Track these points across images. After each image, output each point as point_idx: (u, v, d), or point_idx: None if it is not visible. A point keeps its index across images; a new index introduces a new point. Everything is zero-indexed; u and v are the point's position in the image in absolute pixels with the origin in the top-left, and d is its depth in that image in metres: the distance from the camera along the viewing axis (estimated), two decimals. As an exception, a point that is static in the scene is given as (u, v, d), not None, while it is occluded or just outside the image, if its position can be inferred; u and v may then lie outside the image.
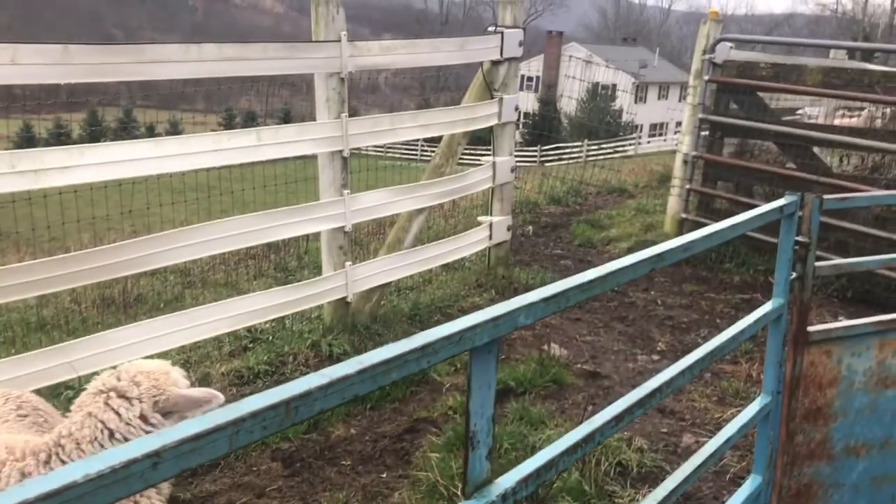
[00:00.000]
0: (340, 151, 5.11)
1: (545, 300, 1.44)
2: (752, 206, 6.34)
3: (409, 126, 5.59)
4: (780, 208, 2.36)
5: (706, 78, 7.92)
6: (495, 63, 6.14)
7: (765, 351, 2.77)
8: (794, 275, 2.53)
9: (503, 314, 1.33)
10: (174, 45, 4.18)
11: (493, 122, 6.25)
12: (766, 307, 2.47)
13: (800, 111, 10.34)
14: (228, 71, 4.53)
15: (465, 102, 6.24)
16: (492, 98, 6.18)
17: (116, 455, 0.80)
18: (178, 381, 2.49)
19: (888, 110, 7.89)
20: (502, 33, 6.03)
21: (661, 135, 47.10)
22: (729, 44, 8.07)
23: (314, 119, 5.15)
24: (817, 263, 2.61)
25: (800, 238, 2.49)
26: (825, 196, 2.51)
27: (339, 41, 4.92)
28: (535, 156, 34.15)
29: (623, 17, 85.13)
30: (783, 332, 2.58)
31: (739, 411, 2.93)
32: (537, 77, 54.23)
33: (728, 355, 5.46)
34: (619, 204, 11.00)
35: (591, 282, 1.56)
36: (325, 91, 5.04)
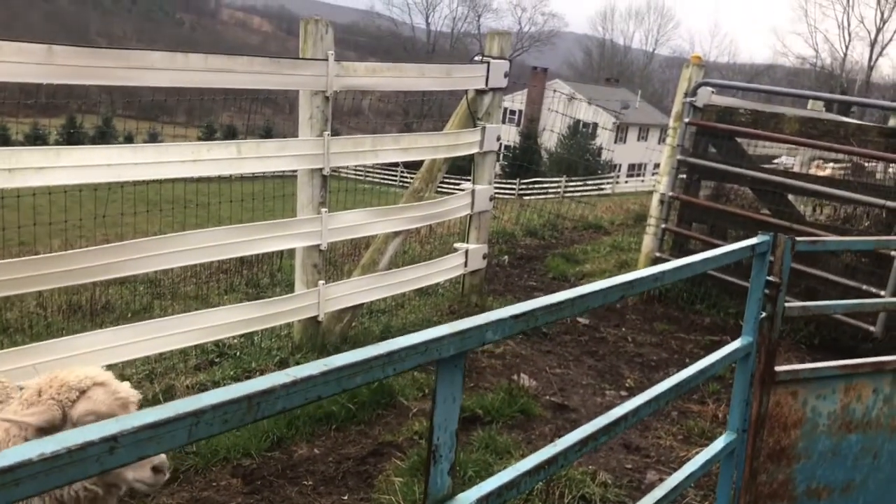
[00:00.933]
0: (321, 169, 5.12)
1: (514, 317, 1.44)
2: (725, 247, 6.31)
3: (391, 148, 5.61)
4: (753, 247, 2.39)
5: (686, 120, 8.03)
6: (480, 92, 6.19)
7: (732, 392, 2.79)
8: (764, 314, 2.56)
9: (471, 328, 1.32)
10: (160, 53, 4.17)
11: (475, 150, 6.29)
12: (735, 345, 2.49)
13: (777, 160, 10.52)
14: (213, 82, 4.53)
15: (449, 129, 6.27)
16: (475, 126, 6.23)
17: (73, 437, 0.79)
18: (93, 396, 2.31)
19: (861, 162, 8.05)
20: (489, 63, 6.09)
21: (638, 175, 47.61)
22: (710, 88, 8.20)
23: (296, 137, 5.15)
24: (787, 304, 2.64)
25: (771, 278, 2.51)
26: (797, 238, 2.55)
27: (326, 60, 4.95)
28: (513, 188, 34.37)
29: (607, 58, 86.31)
30: (750, 371, 2.60)
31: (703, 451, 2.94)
32: (520, 111, 54.76)
33: (695, 395, 5.49)
34: (594, 240, 11.08)
35: (560, 303, 1.57)
36: (308, 109, 5.05)
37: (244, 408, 0.95)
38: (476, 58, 6.20)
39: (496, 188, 6.90)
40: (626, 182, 42.97)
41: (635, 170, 51.14)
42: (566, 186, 35.91)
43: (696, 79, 8.13)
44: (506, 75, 6.23)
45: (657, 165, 10.15)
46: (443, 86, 5.94)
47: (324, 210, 5.19)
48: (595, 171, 42.69)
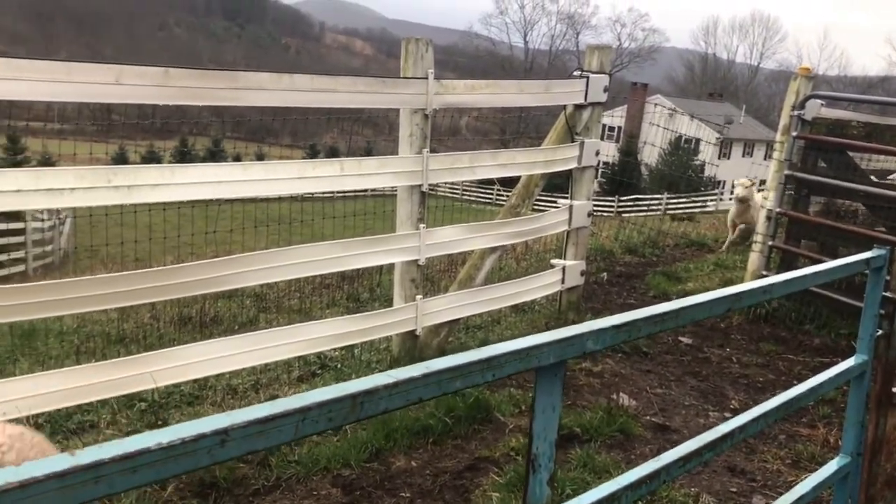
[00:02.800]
0: (419, 186, 5.19)
1: (615, 327, 1.42)
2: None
3: (489, 164, 5.64)
4: (867, 261, 2.28)
5: (794, 134, 7.75)
6: (579, 107, 6.16)
7: (844, 416, 2.66)
8: (880, 332, 2.43)
9: (572, 336, 1.32)
10: (267, 73, 4.34)
11: (573, 165, 6.24)
12: (849, 363, 2.38)
13: (892, 175, 10.01)
14: (318, 102, 4.67)
15: (547, 144, 6.26)
16: (573, 142, 6.19)
17: (187, 428, 0.83)
18: None
19: None
20: (588, 77, 6.05)
21: (745, 192, 46.09)
22: (820, 101, 7.89)
23: (396, 155, 5.25)
24: (905, 321, 2.50)
25: (888, 294, 2.39)
26: (917, 251, 2.42)
27: (426, 78, 5.03)
28: (612, 205, 33.90)
29: (710, 73, 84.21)
30: (865, 391, 2.48)
31: (815, 476, 2.81)
32: (619, 127, 54.07)
33: (804, 418, 5.26)
34: (697, 258, 10.79)
35: (663, 314, 1.54)
36: (408, 126, 5.13)
37: (348, 406, 0.98)
38: (575, 72, 6.17)
39: (594, 205, 6.82)
40: (731, 199, 41.67)
41: (758, 185, 49.54)
42: (667, 203, 35.16)
43: (805, 91, 7.84)
44: (605, 90, 6.18)
45: (763, 182, 9.86)
46: (541, 101, 5.94)
47: (422, 226, 5.25)
48: (698, 188, 41.62)
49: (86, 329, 6.66)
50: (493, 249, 5.91)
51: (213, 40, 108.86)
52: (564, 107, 6.16)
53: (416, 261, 5.30)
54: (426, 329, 5.46)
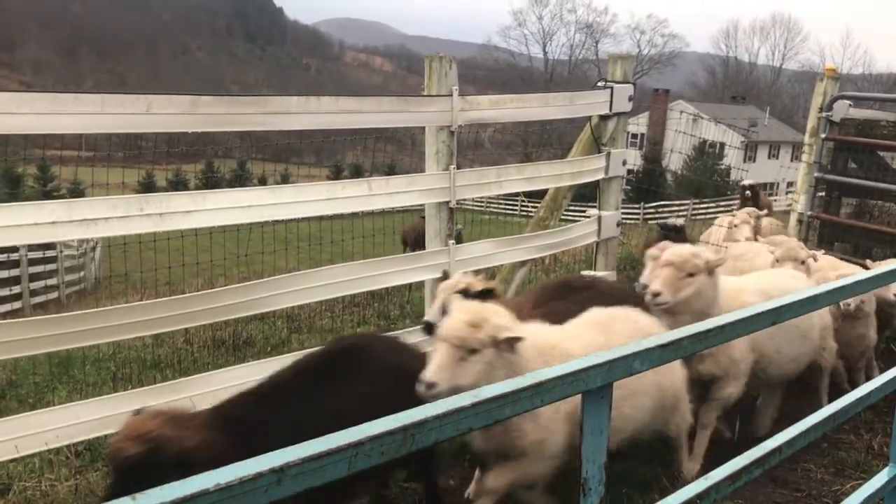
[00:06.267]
0: (447, 202, 5.19)
1: (661, 347, 1.41)
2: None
3: (515, 178, 5.62)
4: (911, 265, 2.24)
5: (823, 136, 7.67)
6: (603, 117, 6.13)
7: (888, 422, 2.60)
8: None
9: (618, 358, 1.30)
10: (294, 98, 4.37)
11: (600, 176, 6.21)
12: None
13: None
14: (344, 123, 4.70)
15: (572, 156, 6.24)
16: (599, 152, 6.16)
17: (245, 468, 0.83)
18: None
19: None
20: (612, 88, 6.03)
21: (771, 194, 45.61)
22: (847, 101, 7.81)
23: (422, 171, 5.25)
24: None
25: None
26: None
27: (451, 95, 5.03)
28: (638, 213, 33.69)
29: (732, 76, 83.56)
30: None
31: (860, 485, 2.74)
32: (642, 135, 53.77)
33: (847, 424, 5.16)
34: (727, 263, 10.65)
35: (708, 331, 1.52)
36: (434, 144, 5.14)
37: (400, 439, 0.97)
38: (599, 83, 6.15)
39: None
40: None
41: (767, 189, 49.00)
42: (694, 209, 34.87)
43: (832, 92, 7.76)
44: (630, 99, 6.15)
45: (790, 184, 9.75)
46: (566, 113, 5.92)
47: (451, 242, 5.25)
48: (724, 192, 41.26)
49: (121, 355, 6.73)
50: (523, 263, 5.89)
51: (235, 62, 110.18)
52: (589, 118, 6.14)
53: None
54: (459, 345, 5.44)
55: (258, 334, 7.35)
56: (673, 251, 4.28)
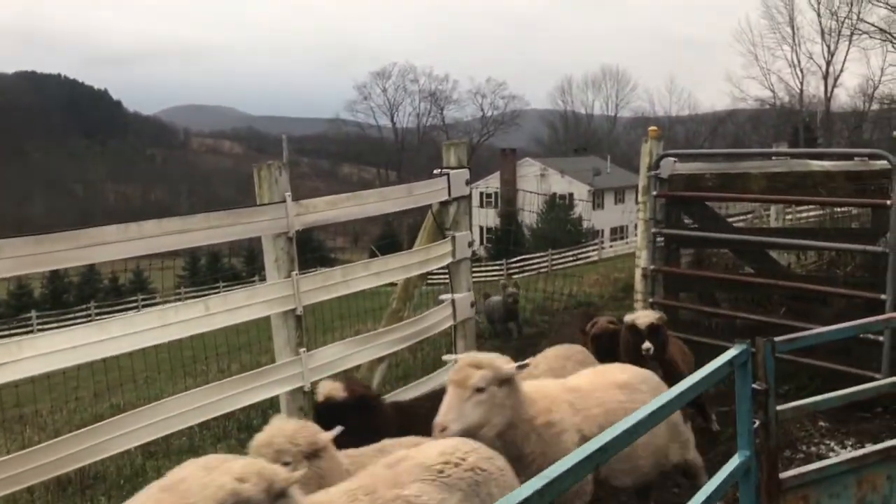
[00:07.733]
0: (293, 310, 5.02)
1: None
2: (717, 315, 6.22)
3: (363, 275, 5.54)
4: (730, 361, 2.29)
5: (654, 193, 8.04)
6: (444, 203, 6.18)
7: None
8: (757, 423, 2.44)
9: None
10: (112, 227, 4.12)
11: (448, 260, 6.23)
12: (733, 462, 2.36)
13: (750, 215, 10.57)
14: (172, 245, 4.48)
15: (418, 245, 6.24)
16: (444, 237, 6.19)
17: None
18: None
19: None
20: (448, 174, 6.10)
21: (622, 237, 47.89)
22: (672, 159, 8.25)
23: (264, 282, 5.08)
24: (779, 407, 2.52)
25: (756, 385, 2.41)
26: (776, 339, 2.45)
27: (284, 202, 4.92)
28: (500, 269, 34.37)
29: (572, 129, 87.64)
30: (755, 485, 2.46)
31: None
32: (496, 193, 55.37)
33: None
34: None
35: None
36: (273, 252, 4.99)
37: None
38: (435, 171, 6.22)
39: (483, 272, 6.80)
40: (611, 246, 43.13)
41: (618, 233, 51.46)
42: (553, 259, 35.97)
43: (657, 151, 8.17)
44: (467, 183, 6.24)
45: (637, 226, 10.16)
46: (406, 205, 5.92)
47: (302, 350, 5.07)
48: (578, 241, 42.92)
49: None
50: (381, 359, 5.77)
51: (75, 160, 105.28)
52: (430, 205, 6.17)
53: (302, 387, 5.09)
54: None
55: (109, 466, 6.79)
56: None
